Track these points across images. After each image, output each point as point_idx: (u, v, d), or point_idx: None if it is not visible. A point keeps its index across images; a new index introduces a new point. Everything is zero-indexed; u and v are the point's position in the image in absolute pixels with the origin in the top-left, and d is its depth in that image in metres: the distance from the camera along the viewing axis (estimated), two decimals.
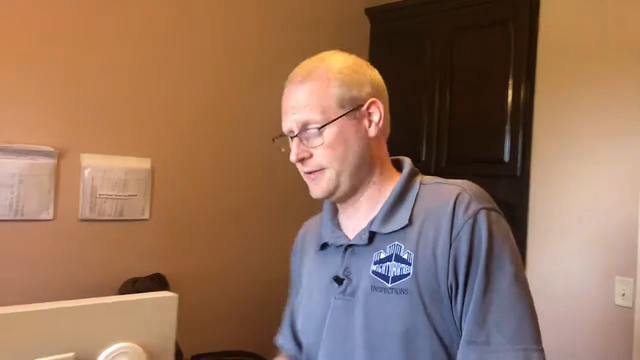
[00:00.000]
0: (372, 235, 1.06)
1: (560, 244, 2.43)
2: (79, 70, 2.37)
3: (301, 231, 1.27)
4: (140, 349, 1.23)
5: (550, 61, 2.50)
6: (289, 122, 1.08)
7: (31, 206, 2.29)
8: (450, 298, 0.99)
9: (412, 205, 1.05)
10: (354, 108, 1.06)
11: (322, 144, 1.05)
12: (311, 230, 1.23)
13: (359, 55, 1.14)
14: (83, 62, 2.38)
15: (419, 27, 2.99)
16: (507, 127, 2.62)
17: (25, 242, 2.26)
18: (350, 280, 1.06)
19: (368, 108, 1.07)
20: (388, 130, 1.13)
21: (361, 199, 1.10)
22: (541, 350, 0.97)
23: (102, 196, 2.45)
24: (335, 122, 1.05)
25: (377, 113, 1.08)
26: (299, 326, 1.19)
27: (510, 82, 2.60)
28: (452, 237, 0.99)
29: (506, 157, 2.63)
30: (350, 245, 1.09)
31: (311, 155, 1.07)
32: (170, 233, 2.62)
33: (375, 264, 1.04)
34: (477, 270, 0.97)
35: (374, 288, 1.02)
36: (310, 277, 1.18)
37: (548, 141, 2.50)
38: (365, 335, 1.03)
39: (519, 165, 2.58)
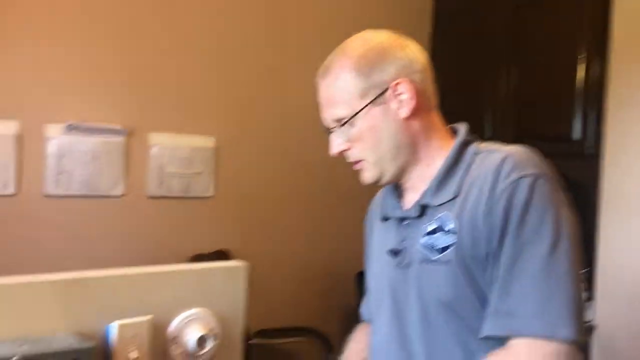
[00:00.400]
0: (423, 208, 1.06)
1: (635, 227, 2.33)
2: (147, 53, 2.44)
3: (374, 199, 1.28)
4: (212, 316, 1.26)
5: (626, 32, 2.38)
6: (324, 117, 1.10)
7: (103, 183, 2.38)
8: (493, 264, 0.97)
9: (462, 175, 1.04)
10: (377, 95, 1.05)
11: (354, 137, 1.07)
12: (378, 200, 1.25)
13: (421, 30, 1.11)
14: (151, 44, 2.44)
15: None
16: (578, 104, 2.53)
17: (98, 216, 2.36)
18: (405, 252, 1.07)
19: (394, 90, 1.05)
20: (433, 102, 1.11)
21: (413, 176, 1.10)
22: (573, 329, 0.92)
23: (169, 173, 2.52)
24: (359, 114, 1.05)
25: (406, 93, 1.05)
26: (369, 290, 1.24)
27: (581, 55, 2.50)
28: (491, 205, 0.97)
29: (576, 135, 2.54)
30: (405, 218, 1.09)
31: (349, 148, 1.09)
32: (234, 210, 2.67)
33: (425, 235, 1.04)
34: (509, 237, 0.95)
35: (424, 260, 1.03)
36: (376, 247, 1.20)
37: (622, 118, 2.39)
38: (419, 308, 1.03)
39: (590, 143, 2.48)
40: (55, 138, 2.27)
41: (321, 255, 2.84)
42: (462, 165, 1.05)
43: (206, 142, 2.61)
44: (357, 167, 1.10)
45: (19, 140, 2.20)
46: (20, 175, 2.21)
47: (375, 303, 1.17)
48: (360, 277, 1.54)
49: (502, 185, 0.97)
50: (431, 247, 1.02)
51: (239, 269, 1.33)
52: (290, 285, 2.80)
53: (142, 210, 2.45)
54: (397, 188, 1.15)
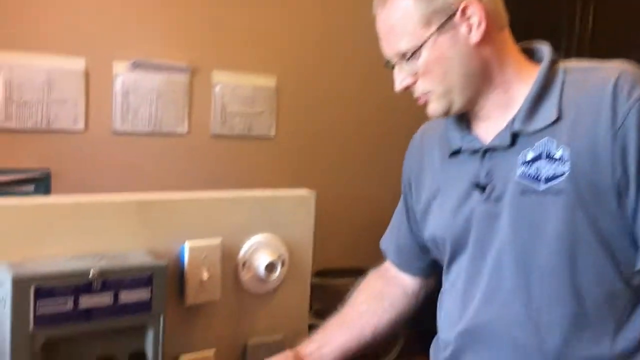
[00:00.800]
0: (514, 136, 0.96)
1: None
2: None
3: (417, 135, 1.18)
4: (280, 242, 1.26)
5: None
6: (385, 52, 1.00)
7: (168, 121, 2.40)
8: (620, 196, 0.89)
9: (558, 97, 0.94)
10: (443, 21, 0.94)
11: (420, 70, 0.97)
12: (431, 134, 1.13)
13: None
14: None
15: None
16: None
17: (162, 154, 2.39)
18: (493, 186, 0.97)
19: (462, 14, 0.94)
20: (504, 20, 1.00)
21: (486, 104, 1.00)
22: None
23: (231, 112, 2.52)
24: (424, 45, 0.95)
25: (475, 15, 0.94)
26: (428, 235, 1.11)
27: None
28: (617, 126, 0.88)
29: None
30: (488, 149, 0.99)
31: (415, 81, 0.99)
32: (295, 150, 2.66)
33: (522, 165, 0.95)
34: None
35: (523, 192, 0.93)
36: (442, 184, 1.08)
37: None
38: (514, 249, 0.94)
39: None
40: (121, 75, 2.29)
41: (384, 197, 2.81)
42: (555, 86, 0.95)
43: (268, 81, 2.59)
44: (421, 101, 1.01)
45: (87, 77, 2.23)
46: (88, 111, 2.25)
47: (450, 245, 1.05)
48: None
49: (627, 104, 0.88)
50: (534, 177, 0.93)
51: (308, 197, 1.32)
52: (351, 226, 2.80)
53: (205, 148, 2.47)
54: (461, 121, 1.05)
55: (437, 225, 1.08)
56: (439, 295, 1.11)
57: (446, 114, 1.00)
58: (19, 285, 0.91)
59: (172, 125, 2.41)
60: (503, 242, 0.95)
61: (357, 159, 2.80)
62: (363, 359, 2.09)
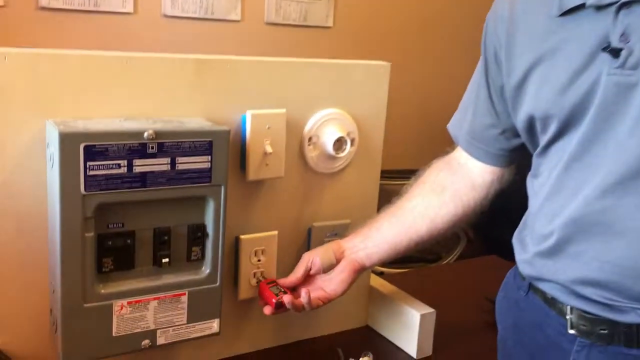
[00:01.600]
0: None
1: None
2: None
3: None
4: (350, 118, 1.13)
5: None
6: None
7: (220, 6, 2.24)
8: None
9: None
10: None
11: None
12: None
13: None
14: None
15: None
16: None
17: (214, 40, 2.26)
18: (631, 49, 0.78)
19: None
20: None
21: None
22: None
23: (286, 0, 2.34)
24: None
25: None
26: (523, 114, 0.91)
27: None
28: None
29: None
30: (625, 3, 0.78)
31: None
32: (352, 42, 2.48)
33: None
34: None
35: None
36: (547, 51, 0.87)
37: None
38: None
39: None
40: None
41: (440, 97, 2.63)
42: None
43: None
44: None
45: None
46: None
47: (554, 128, 0.87)
48: None
49: None
50: None
51: (383, 69, 1.17)
52: (412, 125, 2.64)
53: (259, 36, 2.32)
54: None
55: (538, 101, 0.88)
56: (529, 183, 0.97)
57: None
58: (68, 142, 0.81)
59: (224, 11, 2.25)
60: (637, 120, 0.78)
61: (415, 54, 2.60)
62: (421, 261, 2.01)
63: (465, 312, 1.32)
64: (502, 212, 1.22)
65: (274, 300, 1.00)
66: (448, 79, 2.60)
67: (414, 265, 2.00)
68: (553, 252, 0.86)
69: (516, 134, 0.96)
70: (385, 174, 2.05)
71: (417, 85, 2.63)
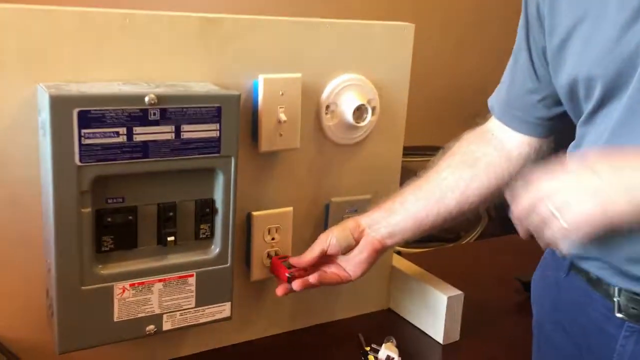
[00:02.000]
0: None
1: None
2: None
3: None
4: (371, 84, 1.04)
5: None
6: None
7: None
8: None
9: None
10: None
11: None
12: None
13: None
14: None
15: None
16: None
17: None
18: None
19: None
20: None
21: None
22: None
23: None
24: None
25: None
26: (565, 77, 0.81)
27: None
28: None
29: None
30: None
31: None
32: (376, 3, 2.36)
33: None
34: None
35: None
36: (591, 6, 0.77)
37: None
38: None
39: None
40: None
41: (466, 72, 2.51)
42: None
43: None
44: None
45: None
46: None
47: (598, 92, 0.77)
48: None
49: None
50: None
51: (406, 29, 1.07)
52: (426, 98, 2.53)
53: None
54: None
55: (581, 62, 0.78)
56: (570, 155, 0.87)
57: None
58: (59, 107, 0.73)
59: None
60: None
61: (439, 28, 2.48)
62: (440, 240, 1.92)
63: (494, 293, 1.24)
64: None
65: (287, 274, 0.92)
66: (479, 48, 2.49)
67: (433, 245, 1.91)
68: None
69: (557, 102, 0.87)
70: (406, 151, 1.93)
71: (441, 54, 2.51)
